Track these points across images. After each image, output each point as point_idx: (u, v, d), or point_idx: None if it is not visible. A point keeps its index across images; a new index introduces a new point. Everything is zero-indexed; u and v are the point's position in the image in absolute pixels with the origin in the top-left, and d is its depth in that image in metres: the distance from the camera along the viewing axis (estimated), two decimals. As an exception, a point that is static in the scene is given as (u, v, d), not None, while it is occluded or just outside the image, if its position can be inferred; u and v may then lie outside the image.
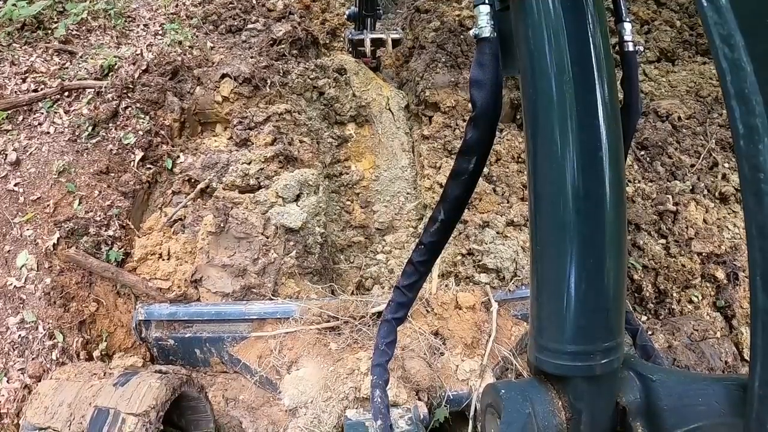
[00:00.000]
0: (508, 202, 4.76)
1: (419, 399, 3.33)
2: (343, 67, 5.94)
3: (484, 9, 1.35)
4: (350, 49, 7.01)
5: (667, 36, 6.55)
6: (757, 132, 0.74)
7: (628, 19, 1.62)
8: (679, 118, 5.59)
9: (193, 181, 4.76)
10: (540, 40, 1.23)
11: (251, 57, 5.71)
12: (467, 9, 6.66)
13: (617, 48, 1.66)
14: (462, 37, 6.17)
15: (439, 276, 4.08)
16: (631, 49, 1.62)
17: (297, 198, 4.48)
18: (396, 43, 6.45)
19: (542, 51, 1.23)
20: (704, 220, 4.91)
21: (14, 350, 3.94)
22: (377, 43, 6.37)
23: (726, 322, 4.62)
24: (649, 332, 4.01)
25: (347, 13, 6.71)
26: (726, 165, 5.24)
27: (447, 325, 3.62)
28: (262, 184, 4.56)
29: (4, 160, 4.66)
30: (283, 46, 5.93)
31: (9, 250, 4.28)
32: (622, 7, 1.60)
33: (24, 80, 5.33)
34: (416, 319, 3.68)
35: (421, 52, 6.35)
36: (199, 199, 4.70)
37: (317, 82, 5.58)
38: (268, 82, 5.28)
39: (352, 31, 6.56)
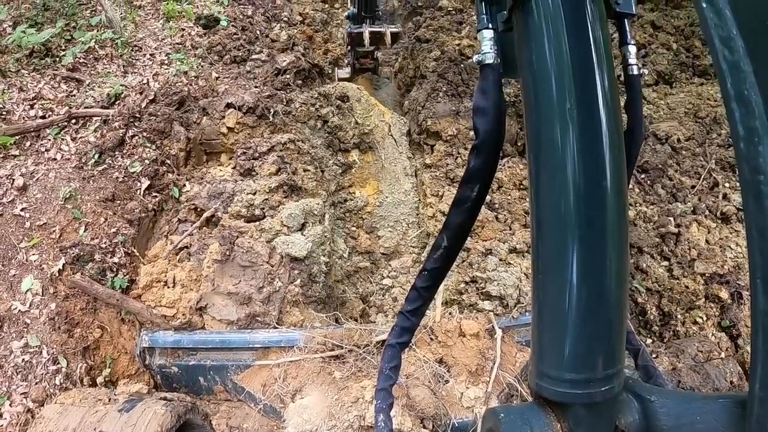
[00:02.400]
0: (510, 229, 5.01)
1: (424, 427, 3.51)
2: (346, 95, 6.27)
3: (488, 34, 1.38)
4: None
5: (664, 59, 6.89)
6: (757, 134, 0.76)
7: (632, 42, 1.64)
8: (679, 140, 5.84)
9: (199, 209, 5.01)
10: (543, 63, 1.26)
11: (255, 87, 6.04)
12: (467, 38, 7.02)
13: (620, 71, 1.66)
14: (462, 66, 6.51)
15: (442, 304, 4.31)
16: (635, 72, 1.64)
17: (302, 227, 4.74)
18: (395, 37, 6.75)
19: (546, 75, 1.26)
20: (706, 241, 5.08)
21: (17, 374, 4.11)
22: (376, 38, 6.65)
23: (732, 341, 4.75)
24: (654, 355, 4.17)
25: (346, 14, 7.08)
26: (727, 185, 5.45)
27: (451, 353, 3.84)
28: (267, 213, 4.82)
29: (11, 184, 4.91)
30: (287, 76, 6.28)
31: (14, 275, 4.49)
32: (627, 30, 1.61)
33: (32, 106, 5.64)
34: (420, 347, 3.90)
35: (422, 82, 6.69)
36: (204, 228, 4.94)
37: (321, 111, 5.90)
38: (272, 111, 5.59)
39: (351, 25, 6.86)
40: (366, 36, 6.55)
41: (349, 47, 7.44)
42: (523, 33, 1.32)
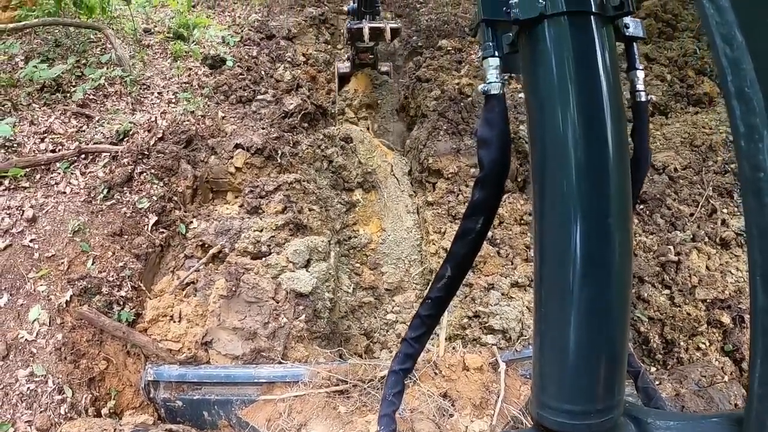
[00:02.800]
0: (512, 263, 5.27)
1: (428, 461, 3.68)
2: (349, 136, 6.66)
3: (493, 62, 1.37)
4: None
5: (658, 90, 7.25)
6: (757, 131, 0.77)
7: (640, 67, 1.61)
8: (676, 169, 6.11)
9: (206, 246, 5.24)
10: (550, 90, 1.27)
11: (263, 128, 6.37)
12: (467, 77, 7.41)
13: (628, 96, 1.63)
14: (462, 104, 6.88)
15: (446, 339, 4.53)
16: (643, 99, 1.61)
17: (307, 264, 4.97)
18: (394, 32, 6.89)
19: (553, 103, 1.26)
20: (707, 267, 5.27)
21: (22, 402, 4.25)
22: (376, 33, 6.81)
23: (735, 365, 4.88)
24: (657, 382, 4.34)
25: (347, 8, 7.27)
26: (725, 210, 5.68)
27: (455, 387, 4.04)
28: (273, 250, 5.06)
29: (21, 215, 5.13)
30: (294, 118, 6.62)
31: (22, 304, 4.67)
32: (636, 54, 1.58)
33: (42, 140, 5.91)
34: (425, 381, 4.10)
35: (423, 121, 7.06)
36: (211, 264, 5.16)
37: (326, 151, 6.25)
38: (280, 152, 5.91)
39: (352, 21, 7.06)
40: (366, 32, 6.71)
41: (349, 42, 7.73)
42: (530, 59, 1.33)
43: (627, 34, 1.44)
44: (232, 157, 5.84)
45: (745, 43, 0.77)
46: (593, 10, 1.25)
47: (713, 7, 0.80)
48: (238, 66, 7.82)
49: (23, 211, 5.19)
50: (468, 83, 7.18)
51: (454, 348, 4.39)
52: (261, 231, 5.16)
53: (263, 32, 9.38)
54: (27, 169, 5.53)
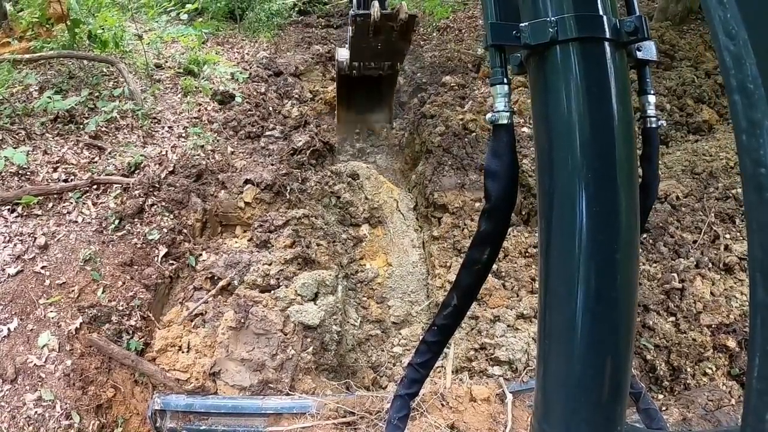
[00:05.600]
0: (517, 296, 5.57)
1: (433, 492, 3.92)
2: (356, 173, 7.11)
3: (502, 90, 1.38)
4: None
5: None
6: (759, 126, 0.79)
7: (652, 92, 1.63)
8: (678, 197, 6.41)
9: (215, 278, 5.57)
10: (559, 114, 1.28)
11: (272, 164, 6.78)
12: (470, 113, 7.82)
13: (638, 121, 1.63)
14: (466, 140, 7.29)
15: (453, 371, 4.81)
16: (653, 125, 1.64)
17: (315, 297, 5.29)
18: (411, 20, 6.63)
19: (561, 127, 1.28)
20: (711, 293, 5.47)
21: (29, 426, 4.49)
22: (386, 22, 6.59)
23: (743, 388, 4.87)
24: (664, 408, 4.54)
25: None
26: (727, 236, 5.91)
27: (463, 418, 4.29)
28: (281, 283, 5.39)
29: (33, 242, 5.48)
30: (302, 155, 7.06)
31: (32, 329, 4.96)
32: (647, 78, 1.60)
33: (55, 169, 6.30)
34: (432, 413, 4.36)
35: (429, 156, 7.46)
36: (219, 296, 5.47)
37: (334, 188, 6.69)
38: (288, 188, 6.31)
39: (355, 9, 6.98)
40: (374, 11, 6.42)
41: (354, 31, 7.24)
42: (539, 84, 1.35)
43: (639, 57, 1.47)
44: (241, 192, 6.23)
45: (748, 37, 0.80)
46: (606, 36, 1.27)
47: (716, 1, 0.83)
48: (247, 102, 8.31)
49: (35, 238, 5.53)
50: (472, 119, 7.59)
51: (460, 380, 4.66)
52: (270, 264, 5.50)
53: (271, 69, 9.94)
54: (40, 198, 5.90)
